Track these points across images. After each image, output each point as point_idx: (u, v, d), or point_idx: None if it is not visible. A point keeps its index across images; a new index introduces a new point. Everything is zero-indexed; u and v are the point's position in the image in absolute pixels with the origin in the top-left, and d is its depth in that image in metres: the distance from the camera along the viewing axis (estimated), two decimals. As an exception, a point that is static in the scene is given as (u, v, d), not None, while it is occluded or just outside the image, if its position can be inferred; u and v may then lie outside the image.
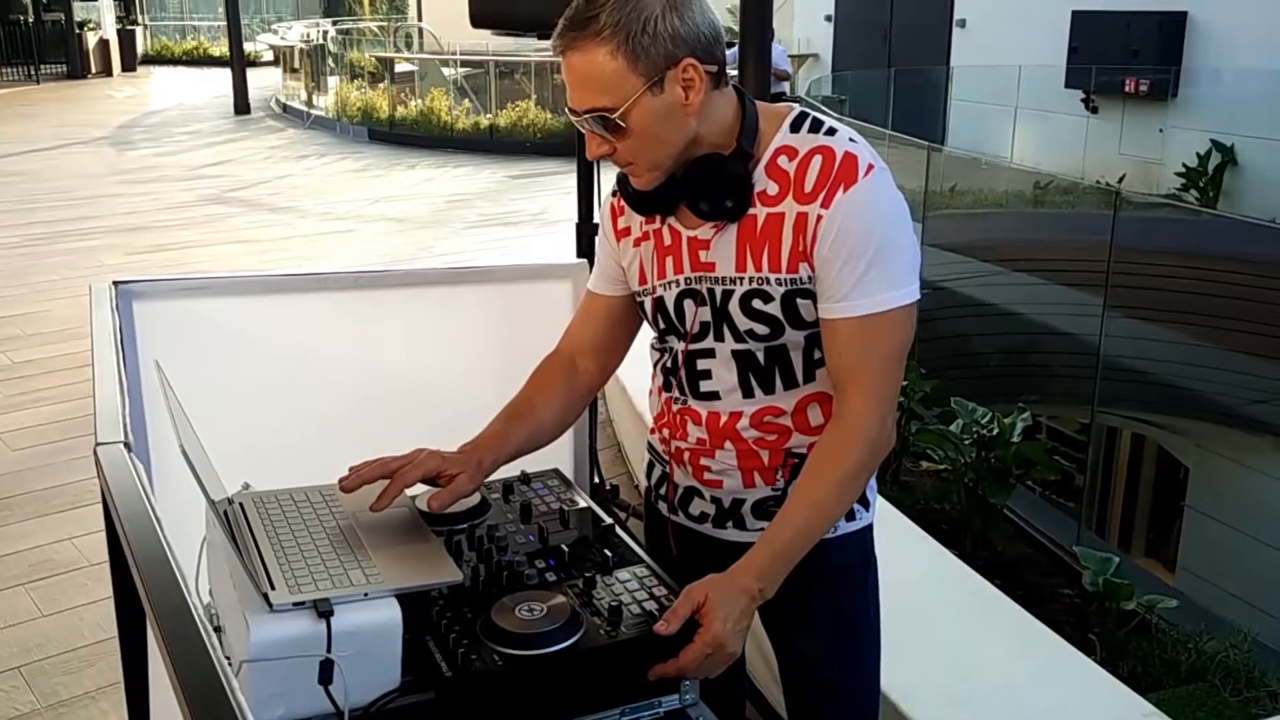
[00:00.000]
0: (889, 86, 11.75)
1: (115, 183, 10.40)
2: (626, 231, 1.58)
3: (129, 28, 21.36)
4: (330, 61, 16.02)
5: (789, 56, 11.77)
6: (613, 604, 1.34)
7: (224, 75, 16.56)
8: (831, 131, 1.42)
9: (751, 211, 1.42)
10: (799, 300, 1.42)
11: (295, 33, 18.18)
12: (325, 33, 16.98)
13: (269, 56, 20.49)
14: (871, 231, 1.37)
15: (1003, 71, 11.00)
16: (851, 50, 13.87)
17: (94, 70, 19.86)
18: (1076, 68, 10.48)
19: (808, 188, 1.39)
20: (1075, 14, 10.36)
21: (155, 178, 10.68)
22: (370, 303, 2.05)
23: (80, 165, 11.37)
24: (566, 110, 1.41)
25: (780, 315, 1.43)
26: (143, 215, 8.93)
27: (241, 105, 15.19)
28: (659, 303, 1.54)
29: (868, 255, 1.37)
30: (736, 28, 3.66)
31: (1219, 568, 6.10)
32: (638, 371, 1.71)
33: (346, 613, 1.20)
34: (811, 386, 1.49)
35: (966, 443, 4.59)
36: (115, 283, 1.82)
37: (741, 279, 1.44)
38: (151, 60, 22.73)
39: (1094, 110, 10.66)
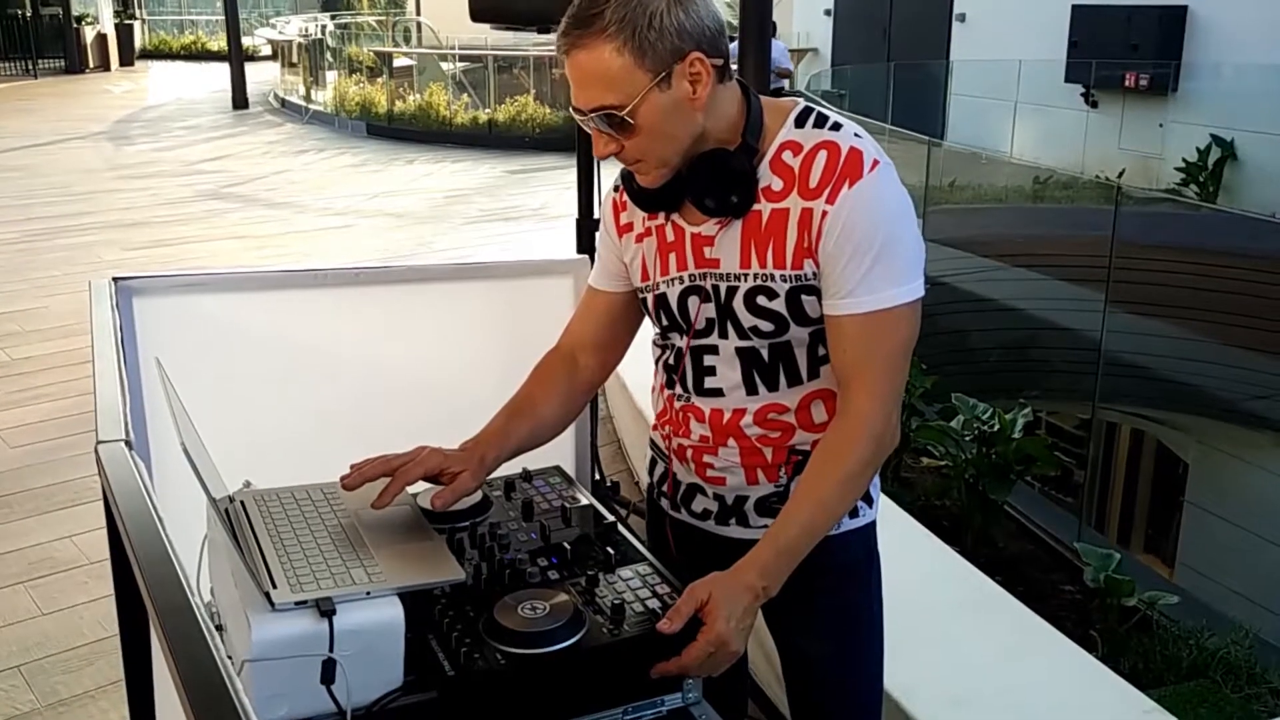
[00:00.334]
0: (888, 81, 11.74)
1: (113, 178, 10.38)
2: (629, 227, 1.57)
3: (127, 22, 21.32)
4: (328, 56, 15.99)
5: (789, 51, 11.76)
6: (615, 602, 1.34)
7: (222, 70, 16.51)
8: (836, 127, 1.42)
9: (756, 207, 1.41)
10: (804, 296, 1.41)
11: (293, 27, 18.15)
12: (323, 27, 16.95)
13: (267, 51, 20.45)
14: (877, 227, 1.36)
15: (1002, 66, 10.98)
16: (851, 44, 13.86)
17: (92, 65, 19.82)
18: (1076, 62, 10.47)
19: (813, 183, 1.38)
20: (1075, 8, 10.35)
21: (153, 173, 10.67)
22: (371, 299, 2.04)
23: (78, 160, 11.35)
24: (571, 110, 1.40)
25: (785, 312, 1.42)
26: (141, 210, 8.91)
27: (239, 100, 15.16)
28: (662, 299, 1.53)
29: (873, 251, 1.36)
30: (735, 23, 3.64)
31: (1219, 564, 6.10)
32: (638, 368, 1.70)
33: (349, 612, 1.19)
34: (816, 383, 1.48)
35: (967, 439, 4.59)
36: (115, 279, 1.81)
37: (746, 275, 1.43)
38: (149, 55, 22.69)
39: (1094, 105, 10.66)
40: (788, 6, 14.00)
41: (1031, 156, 10.53)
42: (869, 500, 1.57)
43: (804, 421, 1.49)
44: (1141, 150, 10.23)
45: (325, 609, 1.18)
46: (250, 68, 16.39)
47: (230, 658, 1.12)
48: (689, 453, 1.56)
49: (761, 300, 1.43)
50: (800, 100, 1.48)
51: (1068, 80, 10.62)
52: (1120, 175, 9.41)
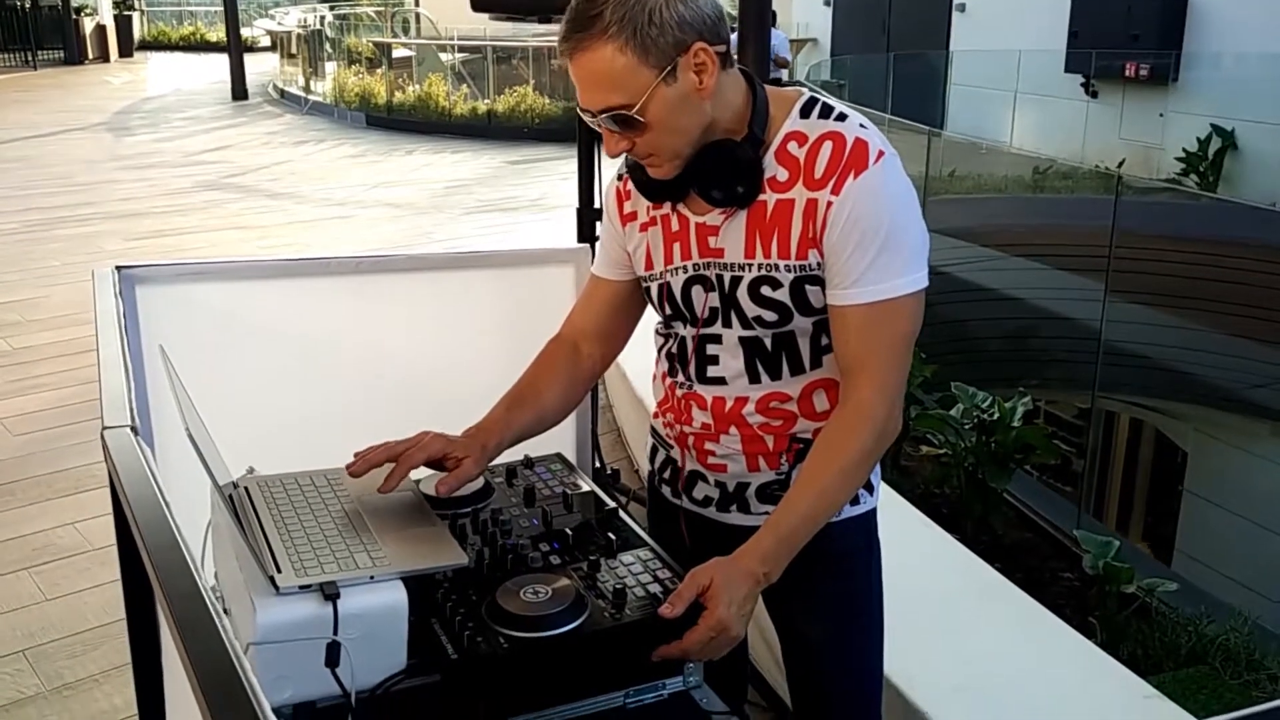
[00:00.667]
0: (888, 71, 11.72)
1: (113, 169, 10.37)
2: (633, 216, 1.57)
3: (126, 13, 21.25)
4: (328, 47, 15.96)
5: (789, 41, 11.74)
6: (617, 587, 1.35)
7: (221, 61, 16.49)
8: (842, 117, 1.42)
9: (761, 198, 1.42)
10: (808, 287, 1.42)
11: (292, 18, 18.13)
12: (322, 18, 16.89)
13: (266, 42, 20.41)
14: (881, 218, 1.37)
15: (1002, 56, 10.96)
16: (850, 34, 13.83)
17: (91, 56, 19.79)
18: (1076, 52, 10.45)
19: (818, 174, 1.39)
20: (1075, -2, 10.33)
21: (153, 163, 10.66)
22: (373, 287, 2.05)
23: (78, 151, 11.34)
24: (579, 111, 1.40)
25: (789, 302, 1.43)
26: (141, 201, 8.91)
27: (239, 91, 15.14)
28: (666, 289, 1.53)
29: (877, 242, 1.37)
30: (734, 13, 3.64)
31: (1217, 552, 6.12)
32: (637, 356, 1.71)
33: (352, 596, 1.20)
34: (818, 372, 1.49)
35: (967, 427, 4.60)
36: (119, 268, 1.82)
37: (750, 265, 1.44)
38: (148, 46, 22.64)
39: (1094, 95, 10.64)
40: (787, -4, 13.97)
41: (1031, 147, 10.52)
42: (870, 488, 1.57)
43: (806, 410, 1.50)
44: (1142, 140, 10.22)
45: (329, 593, 1.19)
46: (249, 59, 16.36)
47: (235, 642, 1.13)
48: (691, 440, 1.57)
49: (766, 290, 1.43)
50: (805, 90, 1.48)
51: (1068, 70, 10.60)
52: (1120, 165, 9.41)
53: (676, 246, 1.51)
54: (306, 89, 15.24)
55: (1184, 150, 9.49)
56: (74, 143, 11.86)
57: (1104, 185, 7.91)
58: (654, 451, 1.69)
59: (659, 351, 1.62)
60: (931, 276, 1.44)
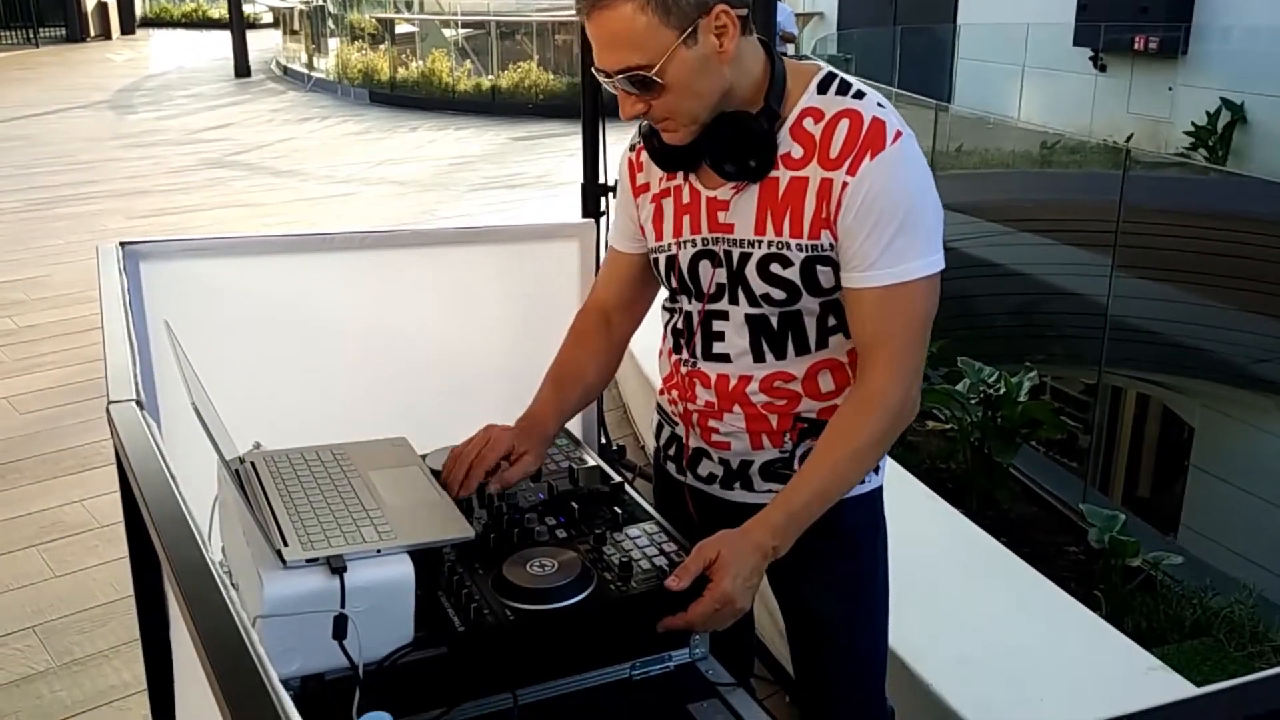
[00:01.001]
0: (895, 45, 11.63)
1: (116, 147, 10.35)
2: (645, 187, 1.56)
3: (127, -10, 21.18)
4: (330, 23, 15.88)
5: (795, 16, 11.66)
6: (623, 560, 1.35)
7: (223, 38, 16.42)
8: (860, 95, 1.39)
9: (774, 174, 1.40)
10: (819, 267, 1.40)
11: (295, -6, 18.00)
12: (325, -7, 16.80)
13: (269, 18, 20.32)
14: (898, 200, 1.35)
15: (1010, 29, 10.87)
16: (857, 8, 13.71)
17: (93, 33, 19.72)
18: (1085, 25, 10.36)
19: (833, 153, 1.36)
20: (1084, -30, 10.23)
21: (156, 141, 10.64)
22: (377, 263, 2.04)
23: (81, 129, 11.32)
24: (594, 71, 1.37)
25: (798, 281, 1.41)
26: (144, 179, 8.90)
27: (242, 68, 15.09)
28: (672, 261, 1.52)
29: (894, 224, 1.35)
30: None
31: (1223, 526, 6.12)
32: (644, 333, 1.70)
33: (359, 569, 1.21)
34: (824, 353, 1.47)
35: (973, 402, 4.59)
36: (122, 243, 1.82)
37: (760, 242, 1.42)
38: (150, 23, 22.58)
39: (1102, 68, 10.55)
40: (793, -30, 13.86)
41: (1039, 121, 10.43)
42: (875, 468, 1.56)
43: (810, 390, 1.48)
44: (1150, 114, 10.14)
45: (336, 566, 1.19)
46: (252, 35, 16.30)
47: (243, 613, 1.13)
48: (695, 417, 1.56)
49: (775, 268, 1.42)
50: (823, 65, 1.45)
51: (1076, 44, 10.51)
52: (1128, 139, 9.34)
53: (686, 219, 1.49)
54: (309, 66, 15.18)
55: (1193, 124, 9.42)
56: (76, 121, 11.84)
57: (1112, 160, 7.86)
58: (659, 428, 1.69)
59: (665, 327, 1.62)
60: (939, 252, 1.42)
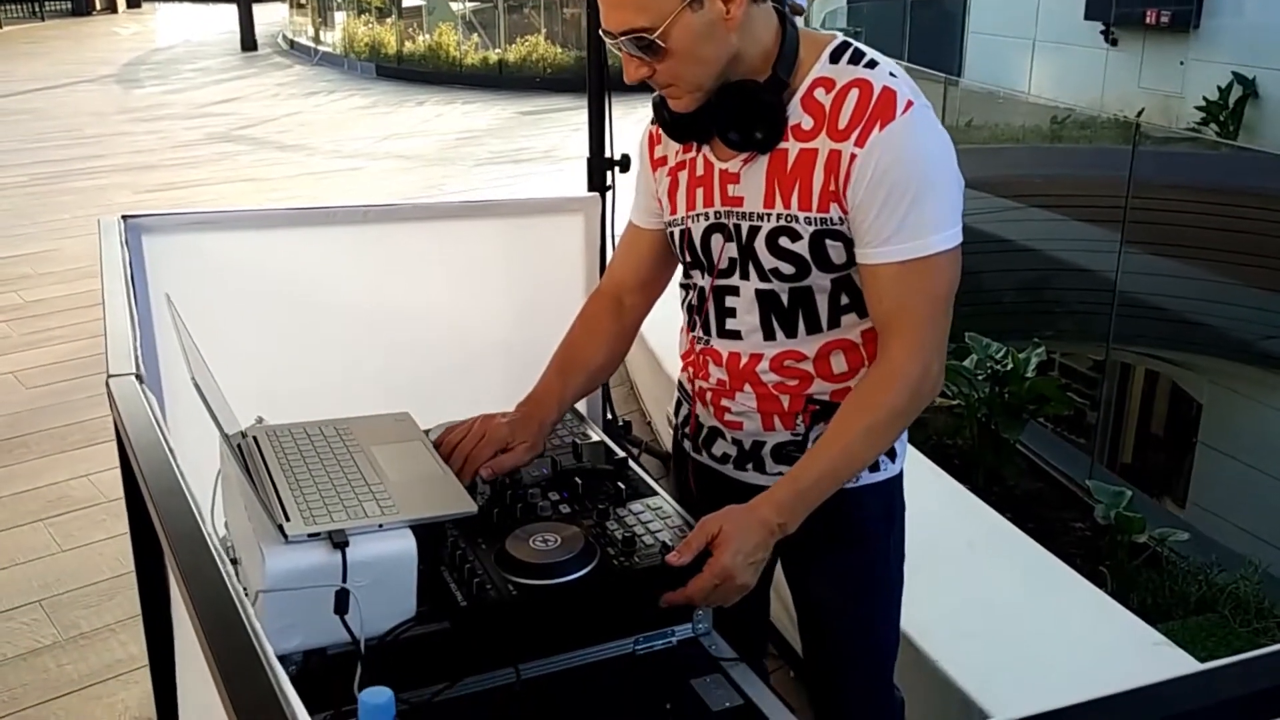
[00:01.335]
0: (905, 18, 11.54)
1: (123, 121, 10.34)
2: (663, 160, 1.54)
3: (133, -37, 21.10)
4: (336, -4, 15.80)
5: (802, -12, 11.55)
6: (626, 535, 1.35)
7: (230, 11, 16.35)
8: (872, 64, 1.36)
9: (783, 145, 1.37)
10: (828, 241, 1.37)
11: (301, -33, 17.90)
12: (331, -34, 16.71)
13: (275, -9, 20.20)
14: (910, 172, 1.31)
15: (1021, 3, 10.76)
16: (867, -19, 13.58)
17: (99, 7, 19.67)
18: (1096, -2, 10.26)
19: (842, 124, 1.33)
20: (1096, -58, 10.11)
21: (163, 115, 10.62)
22: (380, 237, 2.03)
23: (87, 103, 11.31)
24: (601, 32, 1.35)
25: (808, 255, 1.39)
26: (151, 153, 8.89)
27: (248, 41, 15.05)
28: (686, 235, 1.50)
29: (907, 197, 1.31)
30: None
31: (1230, 503, 6.11)
32: (654, 308, 1.69)
33: (361, 544, 1.20)
34: (836, 333, 1.44)
35: (980, 378, 4.57)
36: (124, 217, 1.81)
37: (769, 215, 1.40)
38: (156, -4, 22.46)
39: (1113, 42, 10.45)
40: (802, -58, 13.72)
41: (1050, 95, 10.35)
42: (891, 455, 1.52)
43: (823, 371, 1.46)
44: (1162, 89, 10.05)
45: (338, 541, 1.19)
46: (258, 9, 16.22)
47: (245, 590, 1.13)
48: (708, 396, 1.55)
49: (784, 242, 1.39)
50: (839, 34, 1.42)
51: (1087, 17, 10.40)
52: (1139, 114, 9.26)
53: (699, 192, 1.47)
54: (316, 39, 15.12)
55: (1204, 99, 9.33)
56: (83, 95, 11.82)
57: (1122, 135, 7.80)
58: (678, 405, 1.67)
59: (682, 304, 1.60)
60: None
